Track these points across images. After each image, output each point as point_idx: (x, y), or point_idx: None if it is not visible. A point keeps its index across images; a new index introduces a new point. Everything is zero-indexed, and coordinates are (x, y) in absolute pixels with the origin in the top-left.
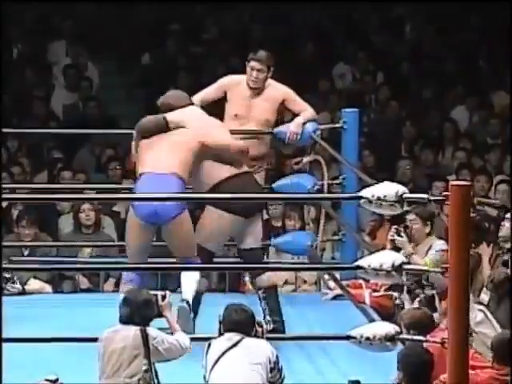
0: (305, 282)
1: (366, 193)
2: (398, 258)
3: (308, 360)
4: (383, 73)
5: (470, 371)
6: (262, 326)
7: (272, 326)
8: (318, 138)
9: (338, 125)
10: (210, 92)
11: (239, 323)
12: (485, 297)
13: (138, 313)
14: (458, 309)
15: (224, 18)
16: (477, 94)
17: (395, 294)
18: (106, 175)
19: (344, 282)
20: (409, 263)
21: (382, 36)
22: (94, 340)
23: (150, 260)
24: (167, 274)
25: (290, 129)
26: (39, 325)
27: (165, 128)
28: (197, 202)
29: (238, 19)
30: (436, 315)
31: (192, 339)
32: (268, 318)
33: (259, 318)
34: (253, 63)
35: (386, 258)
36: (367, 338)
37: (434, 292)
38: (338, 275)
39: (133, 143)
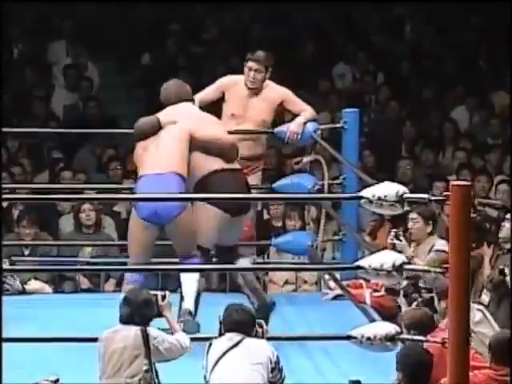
0: (305, 281)
1: (367, 193)
2: (398, 258)
3: (308, 360)
4: (383, 73)
5: (470, 372)
6: (262, 327)
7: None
8: (318, 137)
9: (338, 125)
10: (208, 92)
11: (240, 323)
12: (485, 298)
13: (138, 313)
14: (459, 309)
15: (224, 17)
16: (477, 94)
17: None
18: (107, 175)
19: (344, 282)
20: (409, 264)
21: (381, 36)
22: (95, 340)
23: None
24: (167, 273)
25: (291, 128)
26: (39, 325)
27: (158, 129)
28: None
29: (237, 19)
30: (436, 316)
31: (192, 339)
32: None
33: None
34: (250, 63)
35: (386, 258)
36: (368, 338)
37: (432, 295)
38: (338, 275)
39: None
